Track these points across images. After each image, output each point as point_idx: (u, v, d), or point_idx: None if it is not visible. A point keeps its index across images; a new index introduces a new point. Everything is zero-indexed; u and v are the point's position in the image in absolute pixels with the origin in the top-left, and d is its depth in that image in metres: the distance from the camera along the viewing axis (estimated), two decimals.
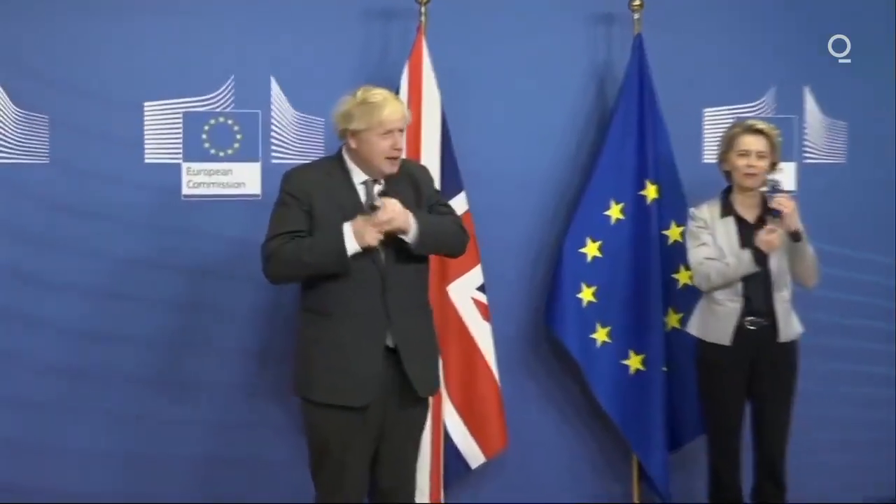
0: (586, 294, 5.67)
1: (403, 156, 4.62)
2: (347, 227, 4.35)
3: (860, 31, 5.97)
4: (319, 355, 4.45)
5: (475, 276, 5.54)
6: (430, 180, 4.70)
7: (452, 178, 5.46)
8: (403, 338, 4.45)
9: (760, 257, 5.12)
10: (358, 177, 4.52)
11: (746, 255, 5.12)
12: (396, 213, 4.37)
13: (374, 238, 4.31)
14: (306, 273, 4.41)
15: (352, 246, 4.35)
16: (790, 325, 5.30)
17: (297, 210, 4.43)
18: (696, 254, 5.26)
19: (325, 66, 5.49)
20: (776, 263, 5.24)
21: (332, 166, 4.53)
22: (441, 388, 5.25)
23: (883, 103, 6.03)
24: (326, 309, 4.43)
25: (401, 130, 4.46)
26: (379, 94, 4.46)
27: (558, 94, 5.78)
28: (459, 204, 5.45)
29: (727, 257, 5.20)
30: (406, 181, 4.55)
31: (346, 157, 4.52)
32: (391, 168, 4.48)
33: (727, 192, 5.37)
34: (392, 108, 4.43)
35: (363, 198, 4.45)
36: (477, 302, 5.53)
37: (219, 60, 5.41)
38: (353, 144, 4.46)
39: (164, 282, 5.44)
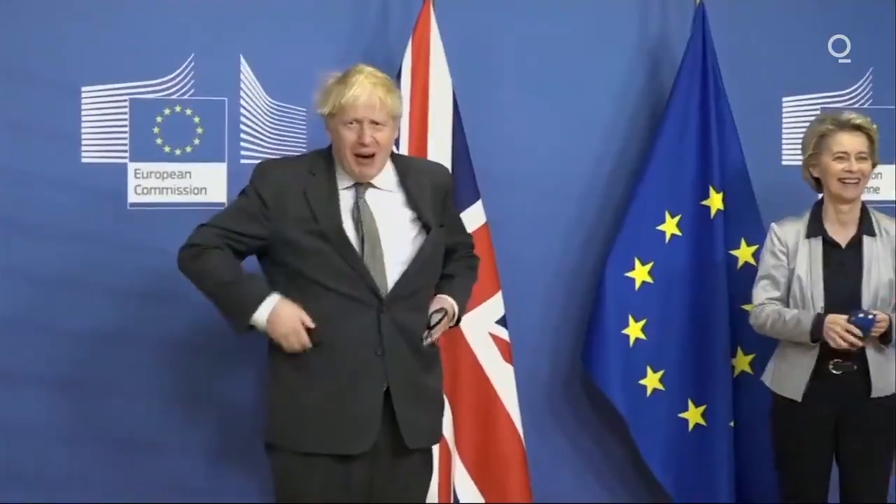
0: (634, 329, 5.18)
1: (397, 152, 4.29)
2: (270, 304, 4.02)
3: None
4: (301, 392, 4.05)
5: (494, 306, 5.02)
6: (454, 192, 4.45)
7: (467, 182, 4.97)
8: (398, 373, 4.05)
9: (820, 337, 4.60)
10: (343, 180, 4.13)
11: (805, 326, 4.61)
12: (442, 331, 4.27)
13: (296, 343, 4.03)
14: (205, 293, 4.13)
15: (261, 319, 4.03)
16: (886, 377, 4.65)
17: (254, 211, 4.10)
18: (757, 289, 4.79)
19: (307, 43, 4.98)
20: (872, 292, 4.62)
21: (319, 162, 4.16)
22: (450, 445, 4.92)
23: None
24: (309, 334, 4.04)
25: (375, 123, 4.03)
26: (360, 72, 4.10)
27: (599, 78, 5.29)
28: (475, 215, 4.98)
29: (806, 293, 4.67)
30: (429, 188, 4.21)
31: (334, 152, 4.18)
32: (361, 169, 4.07)
33: (820, 205, 4.80)
34: (360, 89, 4.03)
35: (346, 204, 4.09)
36: (496, 338, 5.04)
37: (175, 35, 4.90)
38: (330, 135, 4.16)
39: (104, 313, 4.88)
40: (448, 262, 4.30)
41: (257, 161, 4.67)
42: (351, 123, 4.03)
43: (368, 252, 4.04)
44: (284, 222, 4.05)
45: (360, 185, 4.09)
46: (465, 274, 4.38)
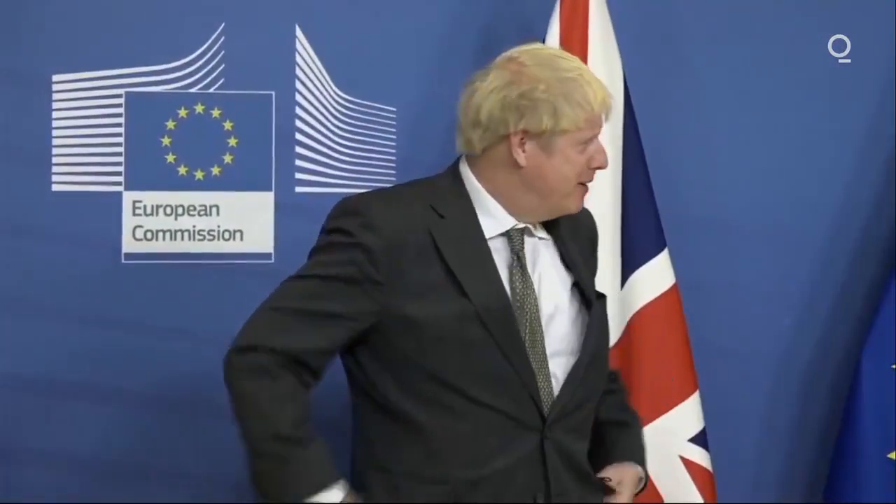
0: None
1: None
2: (333, 498, 3.18)
3: None
4: None
5: (686, 415, 4.15)
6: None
7: (646, 221, 4.14)
8: None
9: None
10: (493, 220, 3.34)
11: None
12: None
13: None
14: (242, 433, 3.25)
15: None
16: None
17: (355, 276, 3.20)
18: None
19: (395, 8, 4.17)
20: None
21: (442, 196, 3.36)
22: None
23: None
24: (434, 473, 3.24)
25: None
26: (567, 58, 3.40)
27: (848, 75, 4.29)
28: (659, 272, 4.13)
29: None
30: (571, 237, 3.46)
31: (473, 181, 3.35)
32: (577, 203, 3.39)
33: None
34: (599, 88, 3.32)
35: (503, 264, 3.32)
36: (690, 464, 4.13)
37: None
38: (522, 160, 3.28)
39: (94, 422, 4.01)
40: None
41: (322, 191, 4.17)
42: (587, 142, 3.31)
43: (528, 342, 3.28)
44: (405, 294, 3.25)
45: (515, 231, 3.33)
46: (630, 415, 3.64)
